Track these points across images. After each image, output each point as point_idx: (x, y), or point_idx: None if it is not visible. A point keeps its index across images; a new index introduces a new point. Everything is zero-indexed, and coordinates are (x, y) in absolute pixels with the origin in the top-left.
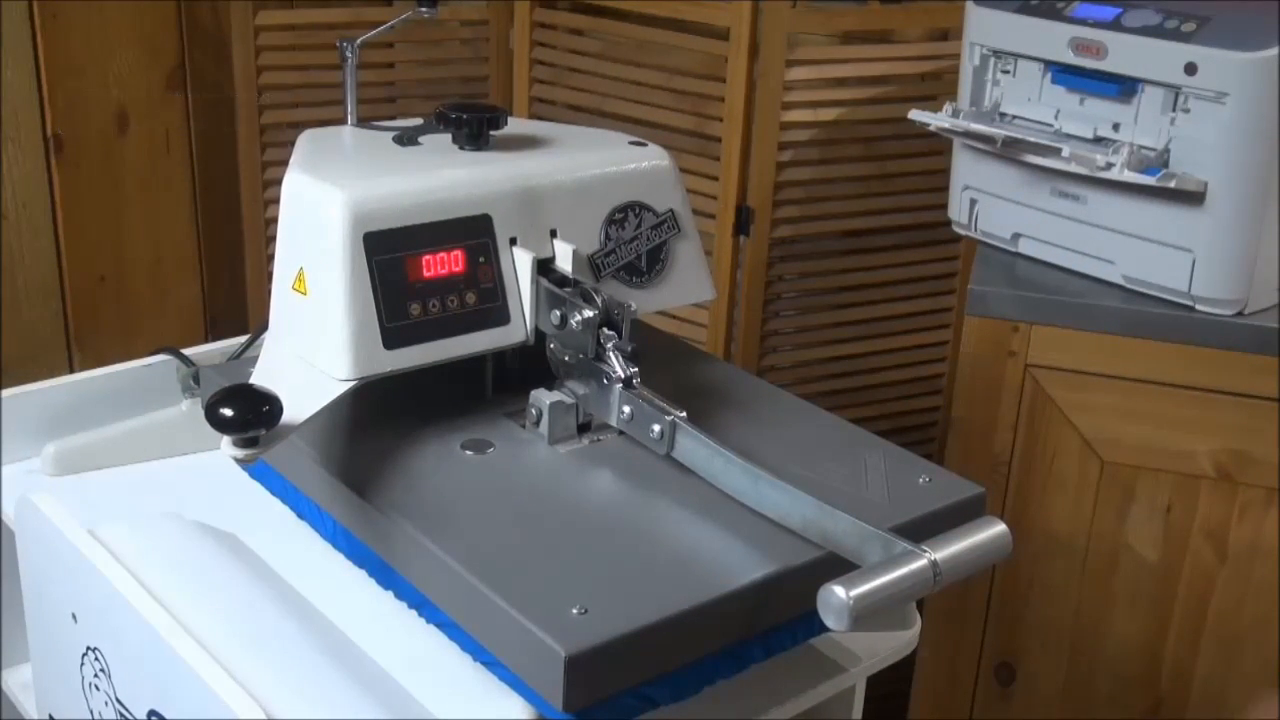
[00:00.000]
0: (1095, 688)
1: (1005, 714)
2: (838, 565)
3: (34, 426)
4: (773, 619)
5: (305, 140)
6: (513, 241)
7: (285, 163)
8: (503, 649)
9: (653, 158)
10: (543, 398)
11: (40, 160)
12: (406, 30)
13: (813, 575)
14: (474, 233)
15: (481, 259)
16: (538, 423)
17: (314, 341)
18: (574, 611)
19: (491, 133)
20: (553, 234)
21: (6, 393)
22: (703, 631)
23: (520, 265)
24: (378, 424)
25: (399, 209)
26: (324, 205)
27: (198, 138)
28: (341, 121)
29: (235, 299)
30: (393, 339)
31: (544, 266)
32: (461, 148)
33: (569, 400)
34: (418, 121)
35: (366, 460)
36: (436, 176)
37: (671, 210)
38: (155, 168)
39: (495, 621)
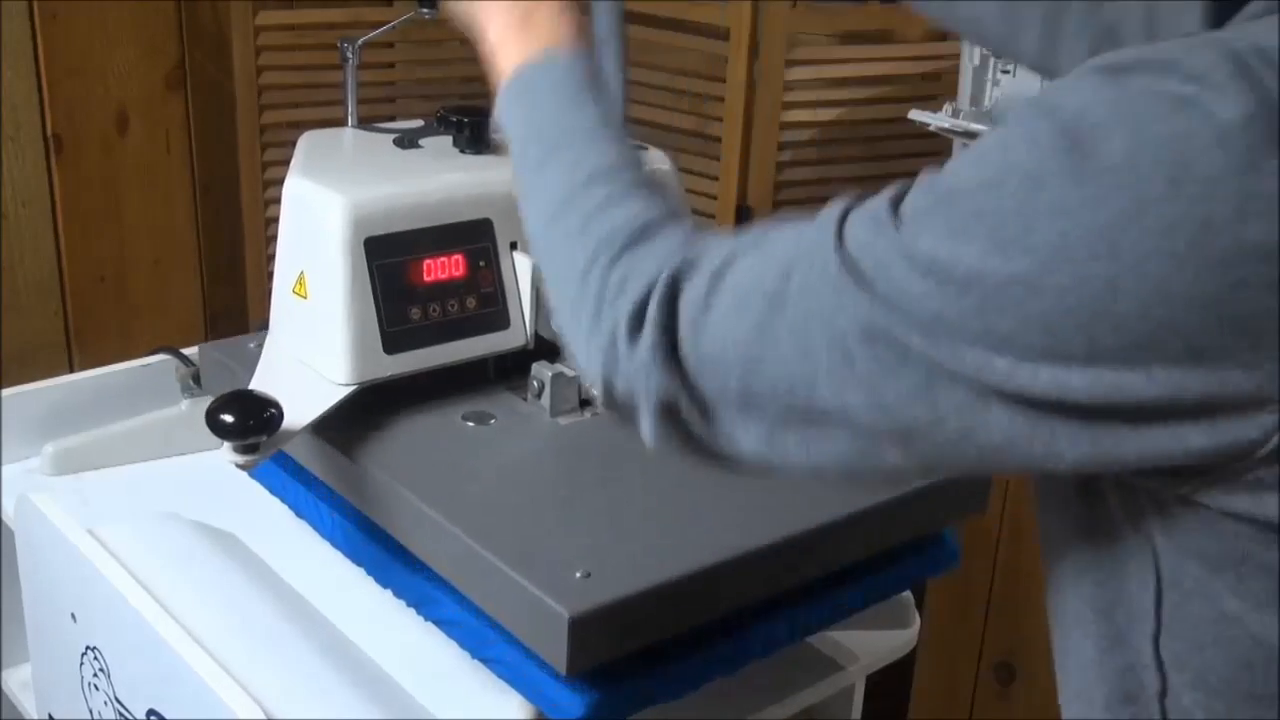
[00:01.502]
0: None
1: (1005, 714)
2: (845, 529)
3: (34, 426)
4: (776, 586)
5: (306, 142)
6: (513, 246)
7: (285, 163)
8: (506, 613)
9: (654, 162)
10: (544, 370)
11: (40, 160)
12: (406, 30)
13: (819, 541)
14: (474, 237)
15: (482, 263)
16: (539, 395)
17: (314, 345)
18: (577, 575)
19: (492, 135)
20: None
21: (6, 393)
22: (706, 596)
23: (520, 270)
24: (378, 396)
25: (400, 213)
26: (325, 209)
27: (198, 138)
28: (341, 122)
29: (235, 299)
30: (393, 343)
31: None
32: (462, 150)
33: (570, 373)
34: (418, 123)
35: (366, 431)
36: (437, 180)
37: None
38: (155, 168)
39: (498, 586)
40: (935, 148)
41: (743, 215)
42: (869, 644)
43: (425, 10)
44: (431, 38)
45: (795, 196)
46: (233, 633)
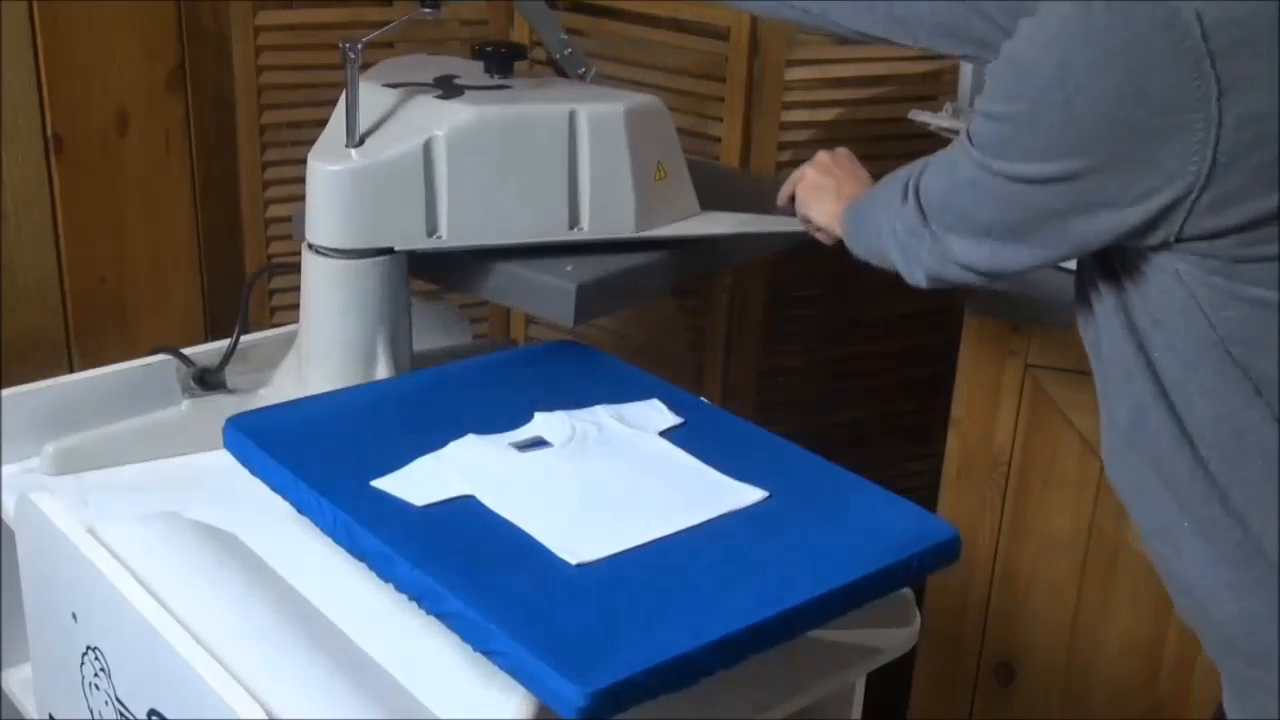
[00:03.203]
0: (1095, 688)
1: (1005, 714)
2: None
3: (34, 426)
4: None
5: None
6: None
7: (285, 162)
8: None
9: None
10: None
11: (40, 160)
12: (406, 30)
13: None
14: None
15: None
16: None
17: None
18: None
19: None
20: None
21: (6, 393)
22: None
23: None
24: None
25: None
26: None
27: (198, 138)
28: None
29: (235, 299)
30: None
31: None
32: (491, 76)
33: None
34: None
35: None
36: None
37: None
38: (155, 168)
39: None
40: (935, 148)
41: None
42: (869, 642)
43: (429, 11)
44: (431, 38)
45: None
46: (234, 632)
